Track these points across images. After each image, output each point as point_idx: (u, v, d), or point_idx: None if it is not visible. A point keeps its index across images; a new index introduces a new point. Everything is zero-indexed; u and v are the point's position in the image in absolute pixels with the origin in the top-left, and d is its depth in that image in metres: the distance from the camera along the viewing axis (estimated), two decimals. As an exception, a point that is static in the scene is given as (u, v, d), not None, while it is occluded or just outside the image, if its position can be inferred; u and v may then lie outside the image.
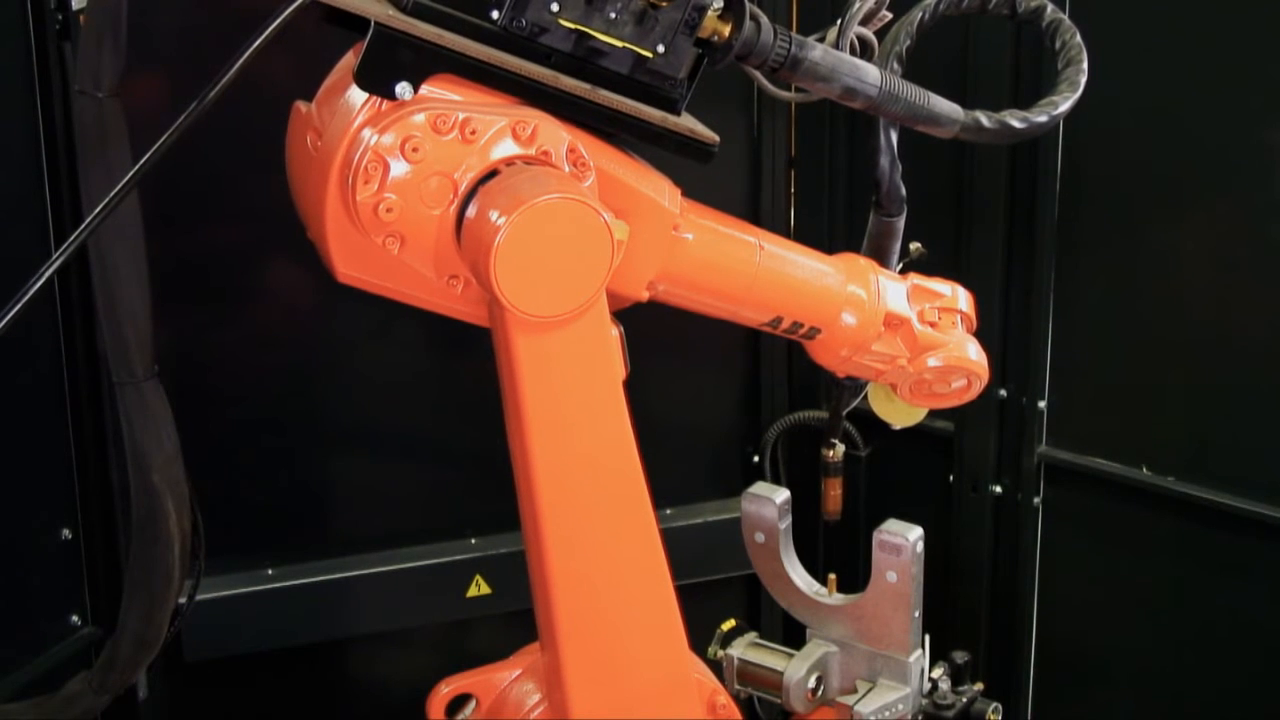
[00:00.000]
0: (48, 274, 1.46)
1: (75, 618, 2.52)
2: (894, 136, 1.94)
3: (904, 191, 1.98)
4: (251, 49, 1.46)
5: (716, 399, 3.02)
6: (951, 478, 2.80)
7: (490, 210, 1.53)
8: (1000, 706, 2.23)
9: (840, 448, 2.32)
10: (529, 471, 1.68)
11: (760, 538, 2.17)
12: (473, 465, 2.82)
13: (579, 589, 1.74)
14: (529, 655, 2.04)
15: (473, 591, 2.81)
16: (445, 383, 2.78)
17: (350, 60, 1.61)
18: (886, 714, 2.10)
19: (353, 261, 1.61)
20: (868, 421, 2.75)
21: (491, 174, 1.57)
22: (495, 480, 2.83)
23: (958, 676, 2.19)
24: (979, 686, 2.22)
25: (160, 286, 2.55)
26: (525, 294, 1.55)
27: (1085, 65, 1.86)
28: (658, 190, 1.70)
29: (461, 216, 1.57)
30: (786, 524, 2.18)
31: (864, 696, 2.11)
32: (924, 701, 2.16)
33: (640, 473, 1.73)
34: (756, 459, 2.99)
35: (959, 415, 2.74)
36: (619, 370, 1.69)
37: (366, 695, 2.91)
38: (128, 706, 2.59)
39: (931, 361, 1.91)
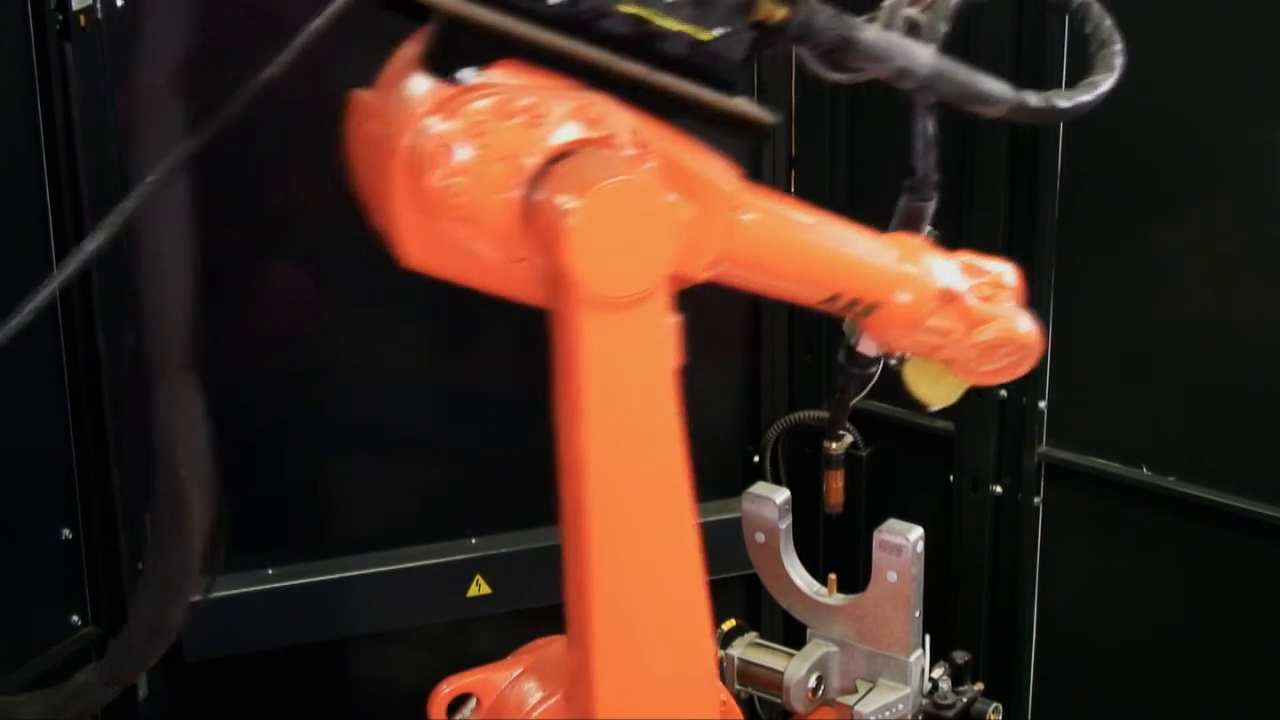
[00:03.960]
0: (80, 263, 1.48)
1: (75, 617, 2.52)
2: (931, 125, 1.98)
3: (937, 176, 2.02)
4: (310, 31, 1.48)
5: (716, 399, 3.01)
6: (951, 478, 2.80)
7: (561, 194, 1.55)
8: (1000, 706, 2.23)
9: (847, 439, 2.33)
10: (579, 456, 1.68)
11: (760, 538, 2.18)
12: (473, 465, 2.82)
13: (619, 581, 1.74)
14: (529, 654, 2.04)
15: (473, 591, 2.81)
16: (445, 383, 2.78)
17: (410, 49, 1.63)
18: (887, 714, 2.10)
19: (420, 247, 1.62)
20: (868, 421, 2.76)
21: (557, 158, 1.59)
22: (495, 480, 2.86)
23: (958, 676, 2.20)
24: (979, 686, 2.22)
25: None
26: (598, 275, 1.58)
27: (1120, 48, 1.91)
28: (716, 172, 1.73)
29: (529, 200, 1.59)
30: (787, 524, 2.19)
31: (864, 696, 2.11)
32: (924, 701, 2.16)
33: (685, 462, 1.75)
34: (756, 459, 2.99)
35: (959, 415, 2.74)
36: (676, 356, 1.71)
37: (367, 695, 2.91)
38: (128, 706, 2.59)
39: (986, 335, 1.93)
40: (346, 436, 2.75)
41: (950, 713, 2.17)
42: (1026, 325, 1.95)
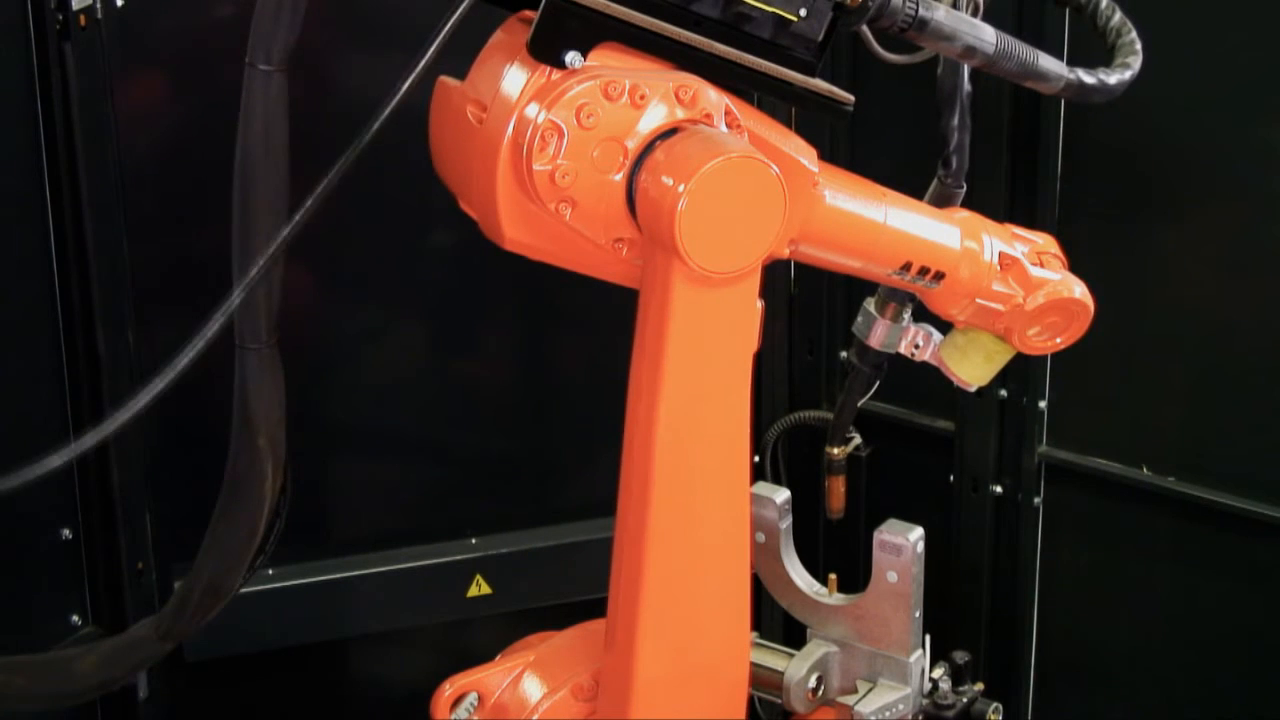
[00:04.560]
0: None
1: (75, 617, 2.52)
2: (968, 119, 2.06)
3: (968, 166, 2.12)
4: (435, 44, 1.52)
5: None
6: (951, 478, 2.80)
7: (670, 172, 1.60)
8: (1000, 706, 2.23)
9: (854, 441, 2.34)
10: (650, 431, 1.71)
11: (760, 538, 2.17)
12: (473, 465, 2.82)
13: (673, 561, 1.77)
14: (517, 654, 2.04)
15: (473, 591, 2.81)
16: (445, 383, 2.78)
17: (502, 36, 1.69)
18: (887, 714, 2.10)
19: (521, 228, 1.66)
20: (868, 421, 2.76)
21: (660, 137, 1.63)
22: (495, 480, 2.86)
23: (958, 676, 2.20)
24: (979, 686, 2.22)
25: (160, 286, 2.55)
26: (708, 251, 1.62)
27: (1134, 35, 1.99)
28: (799, 149, 1.77)
29: (633, 179, 1.63)
30: (787, 524, 2.19)
31: (864, 696, 2.11)
32: (924, 701, 2.16)
33: (748, 444, 1.79)
34: (757, 459, 2.99)
35: (959, 415, 2.74)
36: (756, 340, 1.76)
37: (366, 695, 2.91)
38: (128, 706, 2.59)
39: (1044, 298, 1.97)
40: (346, 436, 2.75)
41: (950, 713, 2.17)
42: (1080, 290, 2.01)
